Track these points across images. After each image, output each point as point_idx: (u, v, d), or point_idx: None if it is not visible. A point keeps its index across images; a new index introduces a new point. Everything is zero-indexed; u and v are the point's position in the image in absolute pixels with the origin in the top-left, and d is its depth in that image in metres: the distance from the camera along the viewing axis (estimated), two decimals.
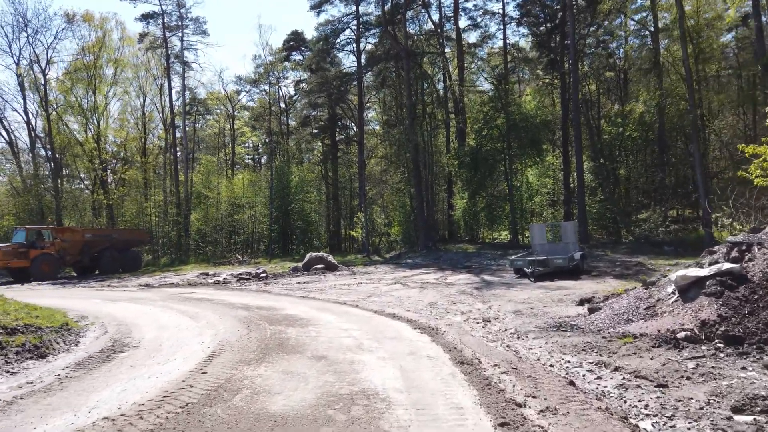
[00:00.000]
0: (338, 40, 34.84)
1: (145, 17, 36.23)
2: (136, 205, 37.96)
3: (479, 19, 34.75)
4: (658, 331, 6.64)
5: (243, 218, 37.09)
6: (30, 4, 70.83)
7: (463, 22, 34.72)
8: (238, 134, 48.23)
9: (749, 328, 6.08)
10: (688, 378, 5.04)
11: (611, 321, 7.54)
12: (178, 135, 39.89)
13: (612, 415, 4.17)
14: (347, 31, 34.36)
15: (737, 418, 4.06)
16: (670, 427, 3.98)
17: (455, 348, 6.61)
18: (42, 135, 36.73)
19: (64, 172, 38.86)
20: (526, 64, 35.92)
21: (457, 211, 30.98)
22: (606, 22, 30.51)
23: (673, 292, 7.35)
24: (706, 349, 5.91)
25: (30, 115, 35.42)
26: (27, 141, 37.42)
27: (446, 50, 35.35)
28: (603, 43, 31.54)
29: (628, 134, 27.10)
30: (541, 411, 4.24)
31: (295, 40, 40.15)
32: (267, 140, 43.58)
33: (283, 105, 43.47)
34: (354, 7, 33.25)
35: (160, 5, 35.62)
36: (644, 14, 31.50)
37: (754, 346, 5.78)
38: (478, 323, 8.49)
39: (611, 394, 4.79)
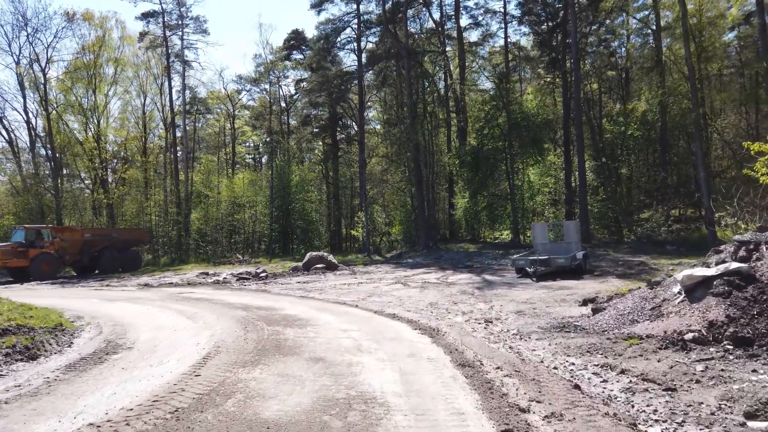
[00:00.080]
0: (339, 39, 34.81)
1: (146, 16, 36.15)
2: (136, 204, 37.82)
3: (480, 18, 34.73)
4: (665, 332, 6.46)
5: (243, 218, 37.01)
6: (30, 2, 70.27)
7: (464, 21, 34.67)
8: (238, 133, 48.14)
9: (759, 329, 5.90)
10: (698, 381, 4.87)
11: (616, 322, 7.36)
12: (178, 134, 39.83)
13: (620, 421, 4.00)
14: (348, 30, 34.37)
15: (751, 424, 3.88)
16: None
17: (456, 349, 6.44)
18: (42, 134, 36.62)
19: (64, 171, 38.69)
20: (527, 63, 35.79)
21: (458, 210, 30.83)
22: (608, 21, 30.36)
23: (679, 292, 7.17)
24: (714, 351, 5.73)
25: (30, 115, 35.37)
26: (27, 140, 37.37)
27: (447, 49, 35.26)
28: (605, 42, 31.40)
29: (630, 133, 26.90)
30: (546, 417, 4.08)
31: (296, 39, 40.01)
32: (267, 139, 43.48)
33: (283, 104, 43.34)
34: (355, 6, 33.22)
35: (161, 4, 35.54)
36: (646, 12, 31.36)
37: (764, 348, 5.61)
38: (479, 324, 8.32)
39: (618, 399, 4.62)
